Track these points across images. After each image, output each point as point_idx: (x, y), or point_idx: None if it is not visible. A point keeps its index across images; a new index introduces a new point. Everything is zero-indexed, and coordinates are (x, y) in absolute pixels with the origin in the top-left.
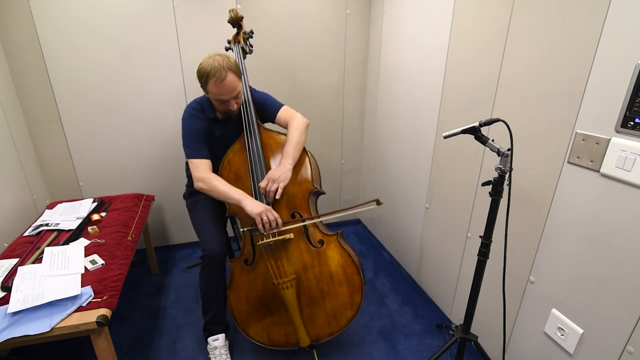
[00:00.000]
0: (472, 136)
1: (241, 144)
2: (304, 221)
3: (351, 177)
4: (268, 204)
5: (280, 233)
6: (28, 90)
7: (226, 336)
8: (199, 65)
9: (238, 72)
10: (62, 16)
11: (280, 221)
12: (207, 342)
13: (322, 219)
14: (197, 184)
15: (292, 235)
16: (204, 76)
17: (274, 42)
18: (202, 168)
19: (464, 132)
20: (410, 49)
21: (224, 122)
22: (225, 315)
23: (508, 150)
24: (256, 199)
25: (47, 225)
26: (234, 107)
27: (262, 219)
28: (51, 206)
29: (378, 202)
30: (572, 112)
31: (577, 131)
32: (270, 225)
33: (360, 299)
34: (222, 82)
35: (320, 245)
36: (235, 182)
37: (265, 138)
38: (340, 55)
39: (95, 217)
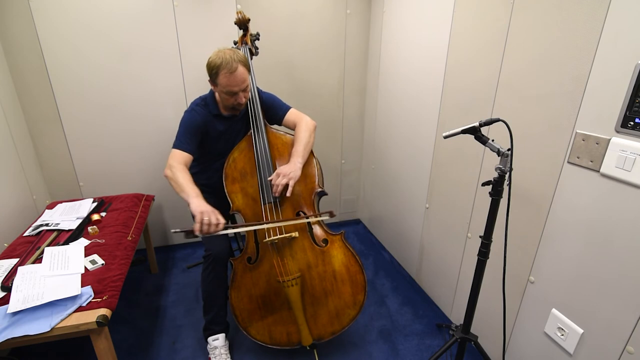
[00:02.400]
0: (472, 136)
1: (247, 143)
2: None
3: (351, 177)
4: (274, 200)
5: (286, 231)
6: (28, 90)
7: (226, 336)
8: (209, 59)
9: (247, 65)
10: (62, 16)
11: (221, 226)
12: (207, 342)
13: (284, 223)
14: (165, 171)
15: (296, 234)
16: (214, 68)
17: (274, 42)
18: (177, 158)
19: (464, 132)
20: (410, 49)
21: (228, 119)
22: (226, 315)
23: (508, 150)
24: (263, 196)
25: (47, 225)
26: (243, 100)
27: (202, 219)
28: (51, 206)
29: (331, 214)
30: (572, 112)
31: (577, 131)
32: (209, 227)
33: (363, 298)
34: (233, 73)
35: (324, 245)
36: (240, 180)
37: (272, 138)
38: (340, 55)
39: (95, 217)
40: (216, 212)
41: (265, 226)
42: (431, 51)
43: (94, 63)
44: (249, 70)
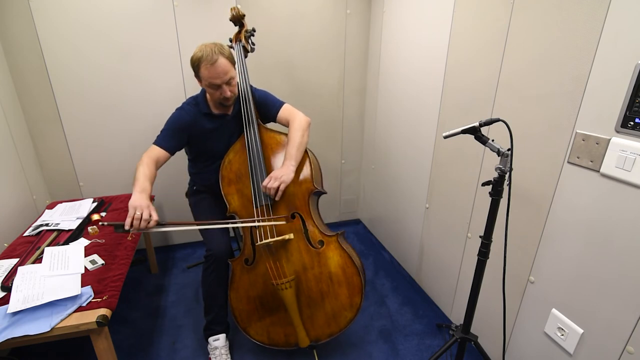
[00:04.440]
0: (472, 136)
1: (242, 144)
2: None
3: (351, 177)
4: (268, 201)
5: (279, 233)
6: (28, 90)
7: (227, 336)
8: (192, 54)
9: (230, 58)
10: (62, 16)
11: (153, 223)
12: (207, 342)
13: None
14: (137, 163)
15: (292, 236)
16: (196, 61)
17: (274, 41)
18: (150, 152)
19: (464, 132)
20: (410, 49)
21: (219, 118)
22: (226, 315)
23: (508, 150)
24: (255, 198)
25: (47, 225)
26: (228, 94)
27: (134, 214)
28: (51, 206)
29: (287, 220)
30: (572, 112)
31: (577, 131)
32: (139, 223)
33: (360, 301)
34: (214, 64)
35: (320, 246)
36: (236, 181)
37: (265, 137)
38: (340, 55)
39: (95, 217)
40: (151, 208)
41: (219, 226)
42: (431, 51)
43: (94, 63)
44: (232, 63)
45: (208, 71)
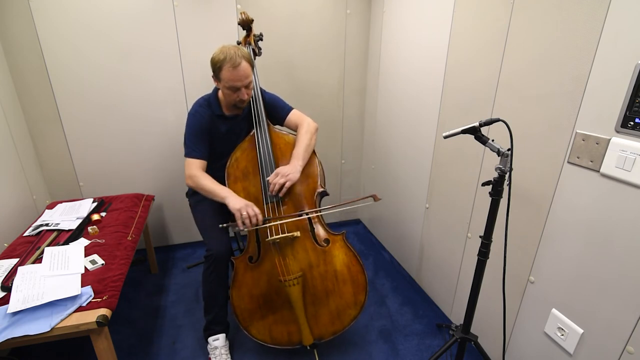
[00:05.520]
0: (472, 136)
1: (250, 142)
2: (300, 215)
3: (351, 177)
4: (277, 199)
5: (288, 230)
6: (28, 90)
7: (227, 336)
8: (213, 55)
9: (251, 62)
10: (62, 16)
11: (260, 217)
12: (207, 342)
13: (318, 213)
14: (187, 181)
15: (298, 234)
16: (218, 62)
17: (274, 42)
18: (194, 166)
19: (464, 132)
20: (410, 49)
21: (231, 119)
22: (226, 315)
23: (508, 150)
24: (265, 194)
25: (47, 225)
26: (245, 97)
27: (241, 214)
28: (51, 206)
29: (375, 198)
30: (572, 112)
31: (577, 131)
32: (250, 221)
33: (364, 298)
34: (237, 67)
35: (325, 244)
36: (242, 179)
37: (274, 137)
38: (340, 55)
39: (95, 217)
40: (251, 204)
41: (305, 217)
42: (431, 51)
43: (94, 63)
44: (252, 67)
45: (230, 73)
